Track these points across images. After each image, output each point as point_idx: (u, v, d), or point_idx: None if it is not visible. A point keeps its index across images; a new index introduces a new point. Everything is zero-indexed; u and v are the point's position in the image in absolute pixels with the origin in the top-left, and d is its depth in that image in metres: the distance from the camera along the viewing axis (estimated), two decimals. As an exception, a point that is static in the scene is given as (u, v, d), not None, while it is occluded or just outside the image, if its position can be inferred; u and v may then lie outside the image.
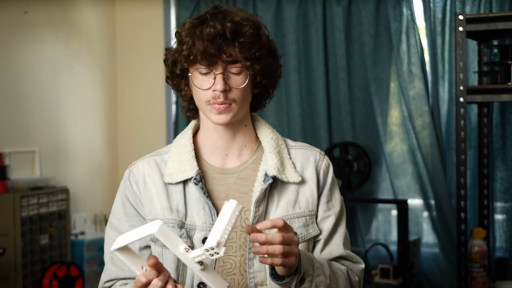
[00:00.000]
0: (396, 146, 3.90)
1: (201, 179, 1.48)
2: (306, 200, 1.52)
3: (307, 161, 1.55)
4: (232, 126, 1.51)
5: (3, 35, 3.65)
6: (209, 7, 1.51)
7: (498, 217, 3.56)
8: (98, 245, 3.88)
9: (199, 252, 1.25)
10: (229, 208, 1.27)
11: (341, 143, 3.88)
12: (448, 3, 3.64)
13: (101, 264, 3.79)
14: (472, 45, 3.43)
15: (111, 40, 4.44)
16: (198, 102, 1.49)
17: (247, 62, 1.43)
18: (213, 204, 1.47)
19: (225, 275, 1.46)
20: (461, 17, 2.81)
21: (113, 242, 1.29)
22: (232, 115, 1.46)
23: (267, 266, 1.43)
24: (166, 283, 1.27)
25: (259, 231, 1.28)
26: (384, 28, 3.80)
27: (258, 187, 1.48)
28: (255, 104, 1.57)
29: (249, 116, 1.57)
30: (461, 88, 2.83)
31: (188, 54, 1.43)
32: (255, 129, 1.58)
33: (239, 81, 1.44)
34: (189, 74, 1.48)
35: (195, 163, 1.50)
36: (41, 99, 3.88)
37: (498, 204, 3.56)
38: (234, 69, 1.43)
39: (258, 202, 1.47)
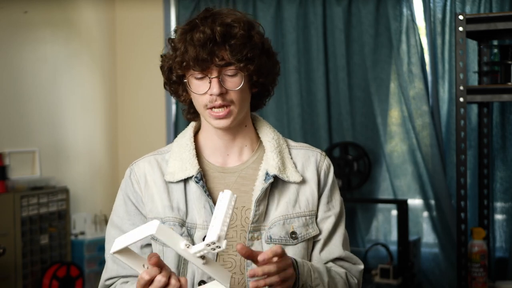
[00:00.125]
0: (396, 146, 3.90)
1: (202, 177, 1.49)
2: (306, 200, 1.52)
3: (308, 161, 1.56)
4: (233, 128, 1.51)
5: (3, 35, 3.65)
6: (209, 7, 1.51)
7: (498, 217, 3.56)
8: (98, 245, 3.88)
9: (200, 247, 1.25)
10: (224, 199, 1.27)
11: (341, 143, 3.88)
12: (448, 3, 3.64)
13: (101, 264, 3.81)
14: (472, 45, 3.43)
15: (111, 40, 4.44)
16: (197, 107, 1.49)
17: (240, 63, 1.42)
18: (214, 202, 1.47)
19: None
20: (461, 17, 2.81)
21: (114, 240, 1.30)
22: (232, 119, 1.46)
23: None
24: (169, 278, 1.27)
25: (251, 251, 1.30)
26: (384, 28, 3.80)
27: (259, 186, 1.48)
28: (255, 103, 1.57)
29: (250, 116, 1.57)
30: (461, 88, 2.83)
31: (181, 60, 1.44)
32: (256, 129, 1.58)
33: (235, 83, 1.44)
34: (185, 80, 1.48)
35: (196, 161, 1.50)
36: (41, 99, 3.88)
37: (498, 204, 3.56)
38: (228, 71, 1.43)
39: (259, 201, 1.47)
